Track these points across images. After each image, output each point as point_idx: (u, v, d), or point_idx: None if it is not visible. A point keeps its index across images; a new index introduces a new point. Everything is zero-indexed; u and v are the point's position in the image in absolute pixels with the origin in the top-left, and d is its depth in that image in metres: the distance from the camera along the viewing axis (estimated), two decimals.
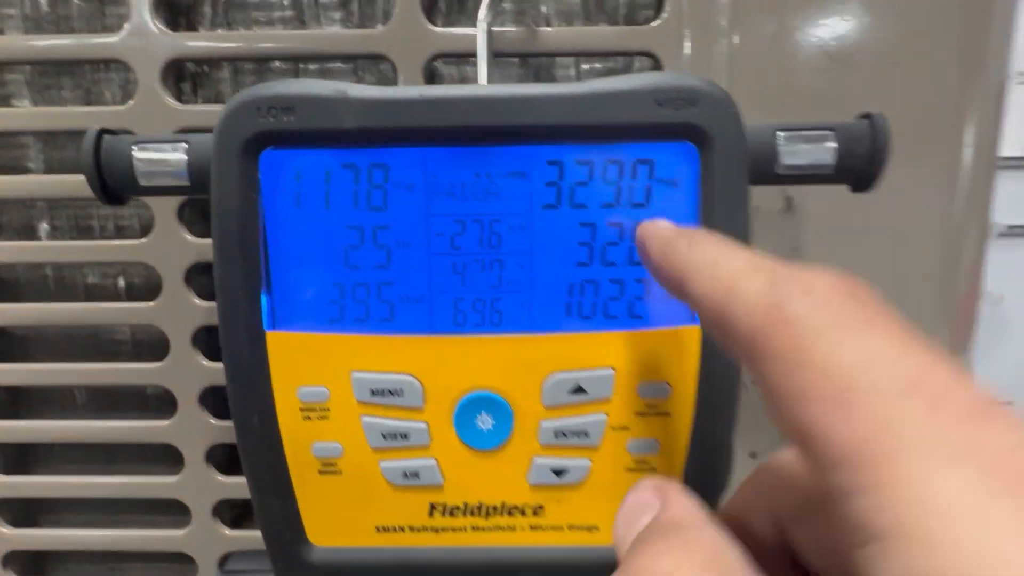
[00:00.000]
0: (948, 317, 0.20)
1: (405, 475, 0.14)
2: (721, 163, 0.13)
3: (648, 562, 0.08)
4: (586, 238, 0.13)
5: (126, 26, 0.18)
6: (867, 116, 0.14)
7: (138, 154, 0.14)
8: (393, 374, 0.14)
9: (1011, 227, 1.63)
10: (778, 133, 0.14)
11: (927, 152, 0.18)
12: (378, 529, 0.15)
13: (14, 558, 0.22)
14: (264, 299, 0.14)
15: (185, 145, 0.14)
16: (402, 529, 0.15)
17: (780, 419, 0.08)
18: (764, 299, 0.08)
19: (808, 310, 0.08)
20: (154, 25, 0.18)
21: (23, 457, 0.22)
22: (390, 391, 0.14)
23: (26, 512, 0.22)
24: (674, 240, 0.10)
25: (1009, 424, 0.07)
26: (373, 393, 0.14)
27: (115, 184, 0.14)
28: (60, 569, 0.23)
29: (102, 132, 0.14)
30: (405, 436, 0.14)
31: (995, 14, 0.18)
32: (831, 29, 0.18)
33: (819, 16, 0.18)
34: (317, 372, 0.14)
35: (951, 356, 0.16)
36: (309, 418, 0.14)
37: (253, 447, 0.14)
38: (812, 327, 0.07)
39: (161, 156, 0.14)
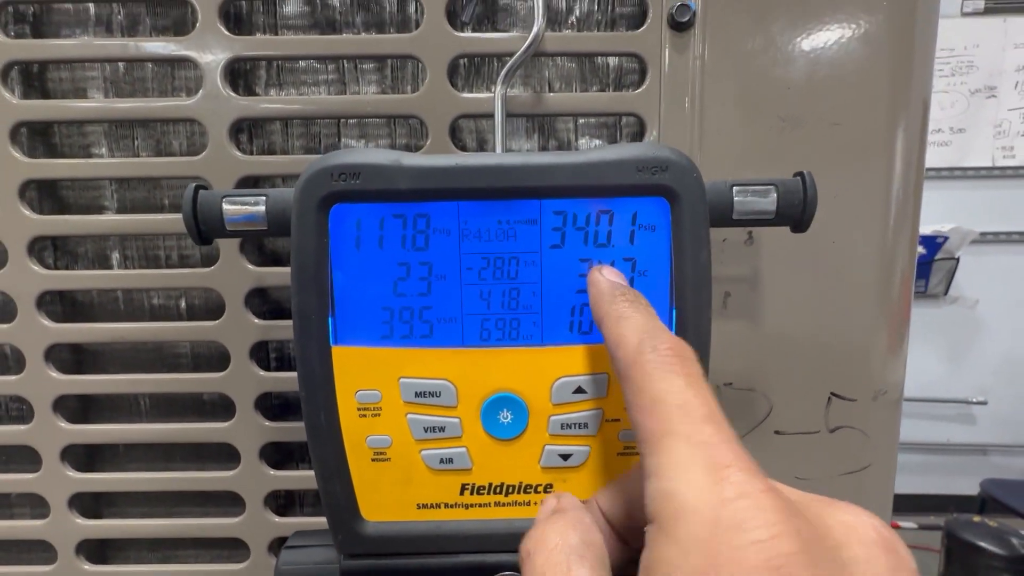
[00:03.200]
0: (885, 318, 0.23)
1: (441, 461, 0.18)
2: (687, 213, 0.16)
3: (545, 527, 0.13)
4: (584, 271, 0.17)
5: (201, 91, 0.21)
6: (800, 174, 0.18)
7: (227, 206, 0.17)
8: (432, 379, 0.17)
9: (984, 234, 1.69)
10: (733, 188, 0.18)
11: (862, 174, 0.22)
12: (418, 506, 0.18)
13: (84, 546, 0.25)
14: (330, 320, 0.17)
15: (264, 198, 0.18)
16: (438, 506, 0.18)
17: (629, 418, 0.13)
18: (634, 349, 0.13)
19: (650, 361, 0.13)
20: (223, 89, 0.21)
21: (92, 457, 0.25)
22: (430, 393, 0.17)
23: (94, 505, 0.25)
24: (605, 291, 0.15)
25: (738, 454, 0.11)
26: (416, 395, 0.17)
27: (208, 228, 0.18)
28: (121, 556, 0.26)
29: (198, 187, 0.18)
30: (442, 429, 0.17)
31: (916, 65, 0.22)
32: (783, 96, 0.22)
33: (772, 85, 0.22)
34: (371, 378, 0.17)
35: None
36: (364, 416, 0.17)
37: (320, 440, 0.17)
38: (650, 370, 0.13)
39: (245, 207, 0.17)
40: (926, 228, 1.58)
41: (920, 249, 1.63)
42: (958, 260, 1.60)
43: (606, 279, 0.15)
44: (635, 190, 0.16)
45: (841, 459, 0.23)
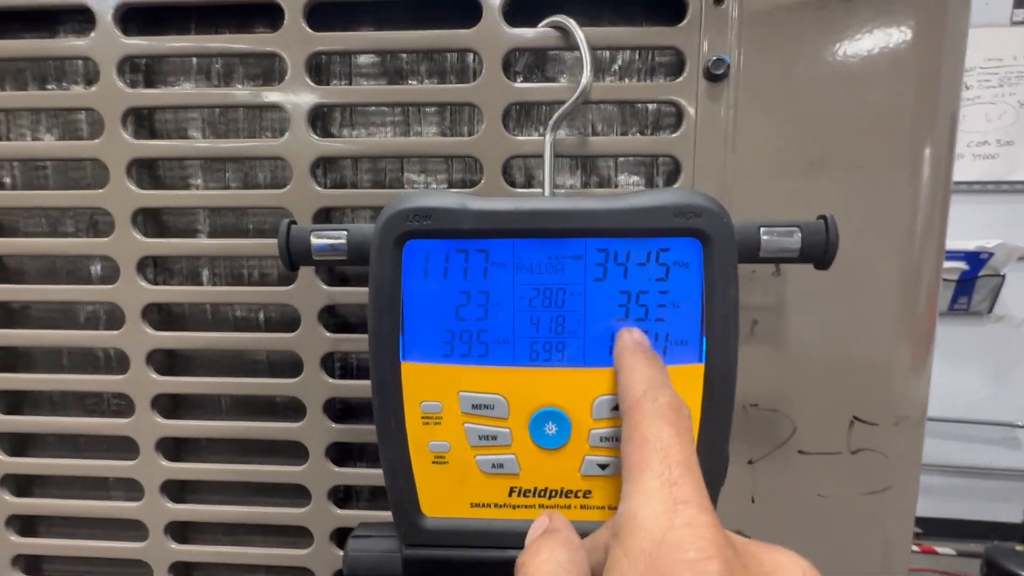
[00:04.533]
0: (908, 342, 0.25)
1: (493, 465, 0.20)
2: (717, 253, 0.18)
3: (539, 543, 0.16)
4: (623, 301, 0.19)
5: (288, 134, 0.24)
6: (823, 217, 0.19)
7: (314, 239, 0.20)
8: (487, 393, 0.20)
9: None
10: (760, 228, 0.20)
11: (886, 205, 0.24)
12: (472, 505, 0.20)
13: (171, 527, 0.28)
14: (400, 339, 0.20)
15: (345, 233, 0.20)
16: (489, 505, 0.20)
17: (621, 451, 0.15)
18: (638, 396, 0.16)
19: (648, 409, 0.16)
20: (307, 132, 0.24)
21: (179, 449, 0.29)
22: (485, 405, 0.20)
23: (179, 492, 0.29)
24: (628, 346, 0.18)
25: (697, 495, 0.14)
26: (473, 407, 0.20)
27: (297, 257, 0.21)
28: (200, 538, 0.29)
29: (290, 223, 0.21)
30: (494, 438, 0.20)
31: (942, 90, 0.23)
32: (809, 140, 0.23)
33: (800, 130, 0.23)
34: (434, 391, 0.20)
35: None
36: (427, 423, 0.20)
37: (388, 443, 0.20)
38: (647, 415, 0.15)
39: (330, 241, 0.20)
40: (970, 243, 1.53)
41: (963, 265, 1.58)
42: (1004, 277, 1.54)
43: (631, 337, 0.18)
44: (671, 232, 0.18)
45: (862, 479, 0.25)
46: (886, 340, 0.24)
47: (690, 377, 0.19)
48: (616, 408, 0.20)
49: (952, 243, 1.55)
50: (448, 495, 0.20)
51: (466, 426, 0.20)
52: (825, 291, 0.24)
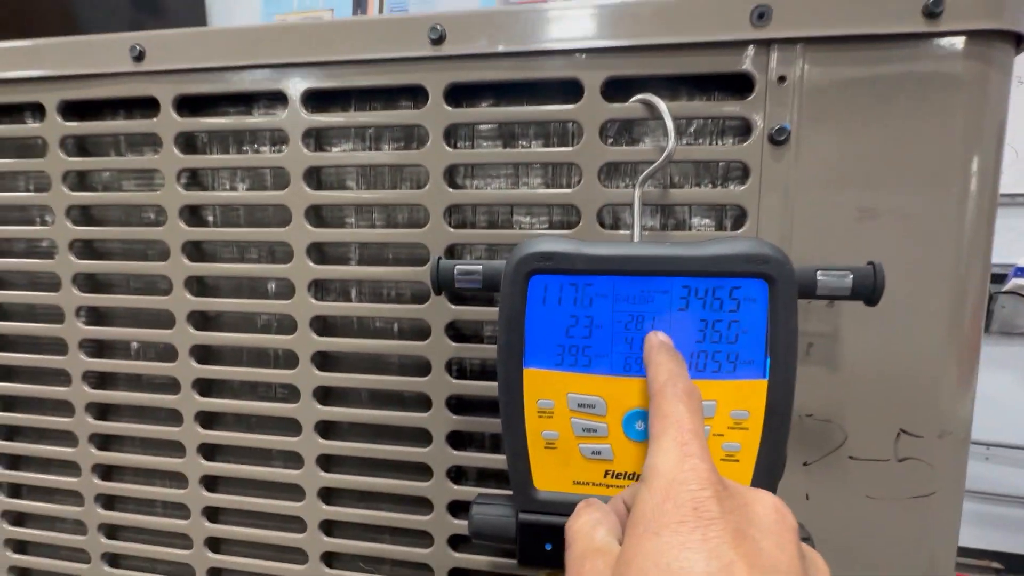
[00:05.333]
0: (953, 361, 0.28)
1: (593, 452, 0.26)
2: (780, 292, 0.23)
3: (579, 510, 0.22)
4: (701, 327, 0.24)
5: (428, 185, 0.31)
6: (872, 263, 0.24)
7: (457, 274, 0.27)
8: (590, 395, 0.25)
9: None
10: (818, 272, 0.24)
11: (928, 261, 0.27)
12: (574, 482, 0.26)
13: (322, 492, 0.35)
14: (523, 351, 0.26)
15: (480, 267, 0.27)
16: (588, 483, 0.26)
17: (648, 423, 0.21)
18: (661, 383, 0.22)
19: (669, 392, 0.21)
20: (442, 184, 0.31)
21: (327, 430, 0.36)
22: (588, 405, 0.25)
23: (327, 464, 0.36)
24: (655, 346, 0.24)
25: (701, 451, 0.20)
26: (578, 405, 0.25)
27: (443, 285, 0.27)
28: (340, 503, 0.36)
29: (439, 258, 0.27)
30: (595, 430, 0.25)
31: (986, 132, 0.27)
32: (861, 192, 0.27)
33: (852, 183, 0.28)
34: (548, 392, 0.26)
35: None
36: (542, 417, 0.26)
37: (511, 431, 0.26)
38: (668, 397, 0.21)
39: (469, 273, 0.27)
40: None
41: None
42: None
43: (657, 339, 0.24)
44: (742, 274, 0.23)
45: (908, 485, 0.28)
46: (932, 360, 0.28)
47: (756, 390, 0.24)
48: None
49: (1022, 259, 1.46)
50: (556, 474, 0.26)
51: (572, 420, 0.26)
52: (874, 318, 0.28)
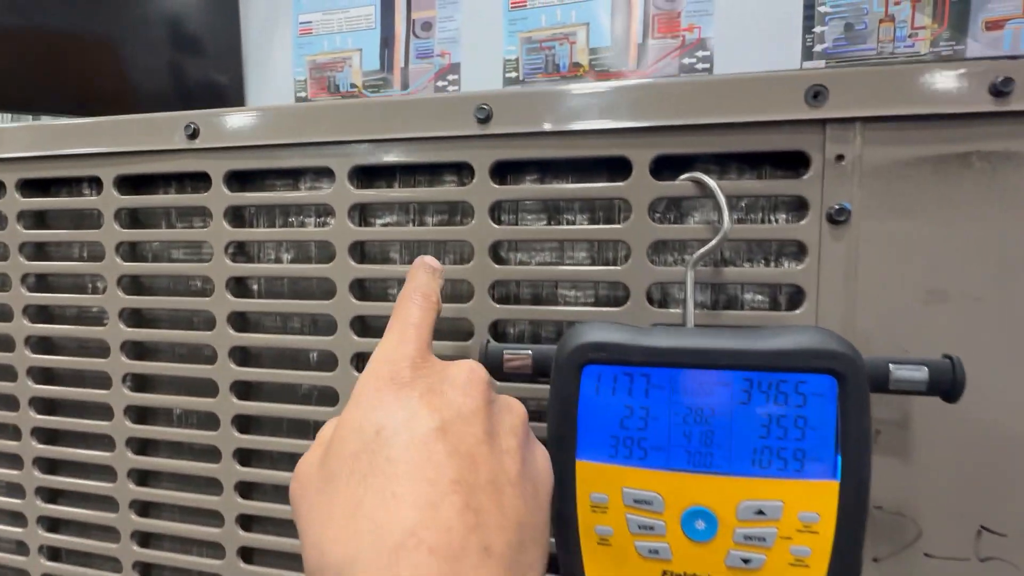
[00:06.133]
0: None
1: (649, 551, 0.24)
2: (851, 388, 0.22)
3: None
4: (765, 421, 0.23)
5: (473, 261, 0.31)
6: (948, 357, 0.22)
7: (507, 359, 0.26)
8: (646, 491, 0.24)
9: None
10: (890, 365, 0.23)
11: (1008, 349, 0.26)
12: None
13: None
14: (576, 442, 0.25)
15: (530, 352, 0.26)
16: None
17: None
18: (404, 291, 0.25)
19: (407, 294, 0.25)
20: (487, 260, 0.31)
21: None
22: (644, 501, 0.24)
23: None
24: (416, 264, 0.27)
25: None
26: (634, 501, 0.24)
27: (491, 368, 0.27)
28: None
29: (488, 342, 0.27)
30: (651, 528, 0.24)
31: None
32: (928, 274, 0.26)
33: (918, 265, 0.26)
34: (602, 485, 0.25)
35: None
36: (595, 511, 0.25)
37: (564, 525, 0.25)
38: (403, 300, 0.25)
39: (519, 360, 0.26)
40: None
41: None
42: None
43: (422, 259, 0.27)
44: (809, 369, 0.22)
45: None
46: (1013, 452, 0.26)
47: (826, 492, 0.23)
48: (759, 513, 0.23)
49: None
50: (610, 571, 0.25)
51: (627, 516, 0.24)
52: (947, 405, 0.26)
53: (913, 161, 0.26)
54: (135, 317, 0.38)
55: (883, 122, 0.26)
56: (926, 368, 0.22)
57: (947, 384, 0.22)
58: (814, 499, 0.23)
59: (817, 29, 1.32)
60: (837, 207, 0.26)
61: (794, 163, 0.28)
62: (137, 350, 0.38)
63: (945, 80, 0.25)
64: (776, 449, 0.23)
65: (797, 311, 0.28)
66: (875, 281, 0.27)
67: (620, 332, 0.24)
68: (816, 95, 0.26)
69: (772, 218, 0.29)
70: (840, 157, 0.27)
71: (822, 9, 1.57)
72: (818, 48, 1.31)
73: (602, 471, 0.25)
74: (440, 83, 1.65)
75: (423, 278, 0.25)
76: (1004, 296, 0.26)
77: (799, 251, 0.28)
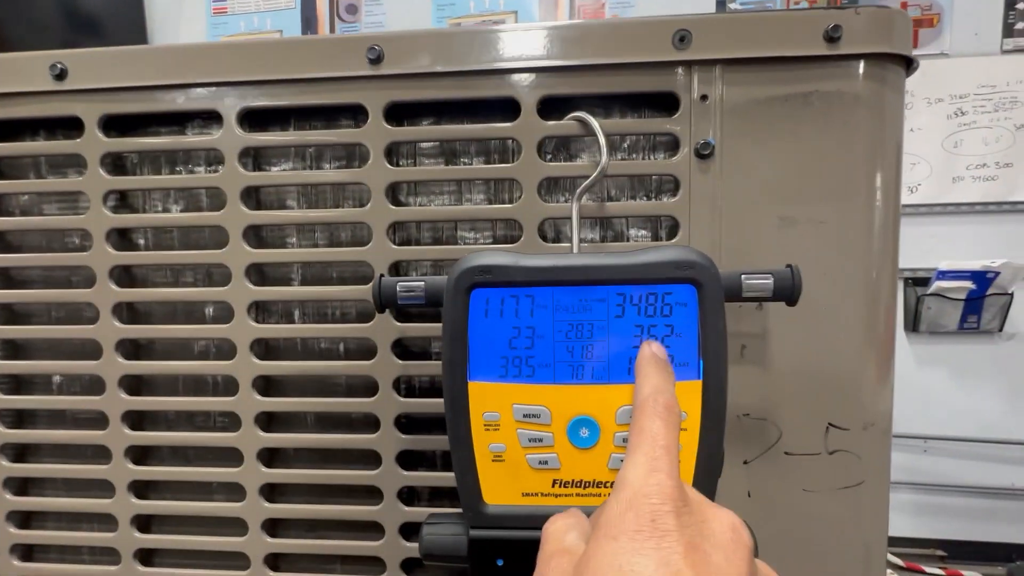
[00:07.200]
0: (872, 356, 0.30)
1: (540, 462, 0.26)
2: (708, 295, 0.24)
3: (556, 516, 0.22)
4: (637, 332, 0.25)
5: (370, 203, 0.31)
6: (789, 267, 0.25)
7: (400, 290, 0.27)
8: (534, 405, 0.26)
9: None
10: (742, 276, 0.26)
11: (843, 265, 0.29)
12: (523, 494, 0.26)
13: (266, 524, 0.34)
14: (467, 364, 0.26)
15: (423, 283, 0.27)
16: (536, 494, 0.26)
17: (629, 434, 0.21)
18: (644, 397, 0.22)
19: (649, 407, 0.22)
20: (385, 202, 0.31)
21: (272, 457, 0.35)
22: (533, 415, 0.26)
23: (271, 494, 0.35)
24: (646, 357, 0.24)
25: (670, 466, 0.20)
26: (524, 416, 0.26)
27: (386, 302, 0.27)
28: (288, 534, 0.35)
29: (381, 276, 0.27)
30: (540, 440, 0.26)
31: (887, 144, 0.29)
32: (781, 202, 0.29)
33: (772, 194, 0.30)
34: (493, 404, 0.26)
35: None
36: (488, 429, 0.26)
37: (459, 445, 0.26)
38: (647, 412, 0.22)
39: (412, 290, 0.27)
40: (975, 263, 1.57)
41: (970, 284, 1.61)
42: (1012, 295, 1.57)
43: (650, 350, 0.24)
44: (672, 280, 0.25)
45: (839, 476, 0.30)
46: (853, 357, 0.30)
47: (691, 391, 0.25)
48: None
49: (957, 262, 1.59)
50: (505, 486, 0.26)
51: (518, 431, 0.26)
52: (800, 319, 0.30)
53: (765, 100, 0.29)
54: (3, 278, 0.35)
55: (739, 64, 0.29)
56: (771, 276, 0.25)
57: (788, 289, 0.25)
58: (682, 399, 0.25)
59: None
60: (702, 142, 0.29)
61: (668, 106, 0.30)
62: (7, 314, 0.35)
63: (788, 27, 0.28)
64: None
65: (673, 240, 0.30)
66: (737, 210, 0.30)
67: (505, 256, 0.25)
68: (682, 39, 0.29)
69: (652, 157, 0.31)
70: (704, 97, 0.29)
71: (732, 7, 1.67)
72: None
73: (494, 390, 0.26)
74: None
75: (657, 380, 0.23)
76: (840, 220, 0.29)
77: (675, 187, 0.30)
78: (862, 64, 0.28)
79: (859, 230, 0.29)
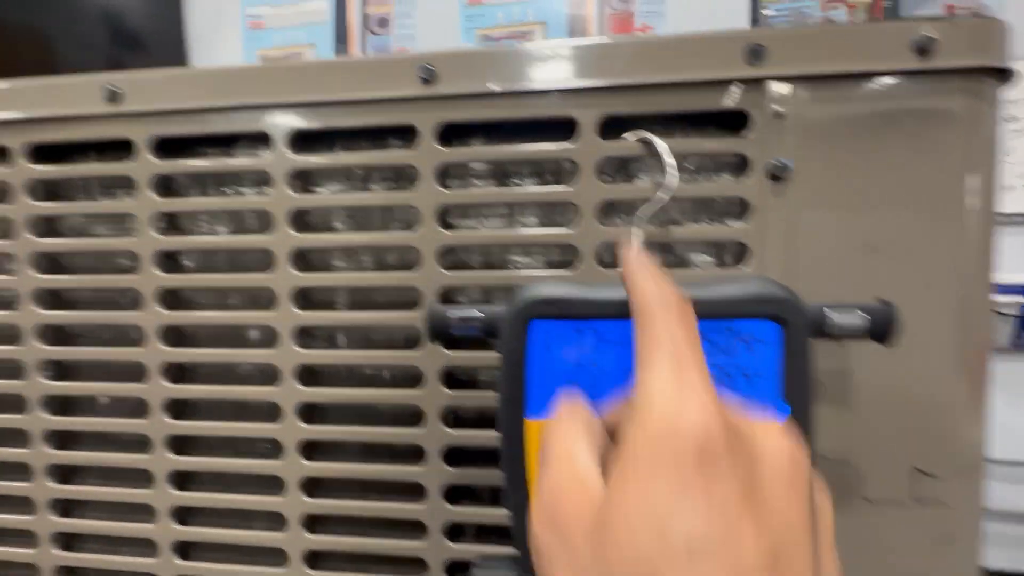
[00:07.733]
0: (964, 399, 0.27)
1: None
2: (794, 333, 0.22)
3: (560, 414, 0.20)
4: (712, 371, 0.23)
5: (420, 227, 0.30)
6: (883, 301, 0.23)
7: (455, 320, 0.25)
8: None
9: None
10: (824, 309, 0.23)
11: (932, 298, 0.27)
12: None
13: (308, 556, 0.33)
14: (525, 401, 0.24)
15: (481, 315, 0.25)
16: None
17: (636, 350, 0.18)
18: (648, 306, 0.18)
19: (657, 303, 0.18)
20: (435, 226, 0.30)
21: (314, 487, 0.34)
22: None
23: (312, 524, 0.33)
24: (633, 261, 0.20)
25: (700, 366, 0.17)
26: None
27: (437, 331, 0.26)
28: (330, 567, 0.34)
29: (433, 304, 0.26)
30: None
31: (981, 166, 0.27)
32: (865, 228, 0.27)
33: (854, 219, 0.27)
34: None
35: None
36: None
37: (513, 486, 0.24)
38: (655, 310, 0.18)
39: (469, 320, 0.25)
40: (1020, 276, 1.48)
41: (1022, 299, 1.52)
42: None
43: (635, 253, 0.20)
44: (754, 315, 0.23)
45: (926, 527, 0.27)
46: (943, 395, 0.27)
47: None
48: None
49: (1010, 276, 1.50)
50: None
51: None
52: (882, 354, 0.27)
53: (847, 118, 0.27)
54: (53, 299, 0.35)
55: (819, 80, 0.27)
56: (863, 312, 0.23)
57: (885, 328, 0.23)
58: None
59: None
60: (779, 164, 0.27)
61: (736, 125, 0.28)
62: (56, 335, 0.35)
63: (873, 39, 0.26)
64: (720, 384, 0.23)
65: (741, 267, 0.28)
66: (815, 235, 0.27)
67: (568, 287, 0.24)
68: (754, 53, 0.27)
69: (717, 179, 0.29)
70: (779, 115, 0.27)
71: (766, 12, 1.64)
72: None
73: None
74: None
75: (664, 287, 0.19)
76: (930, 247, 0.27)
77: (742, 209, 0.28)
78: (955, 78, 0.26)
79: (951, 257, 0.27)
